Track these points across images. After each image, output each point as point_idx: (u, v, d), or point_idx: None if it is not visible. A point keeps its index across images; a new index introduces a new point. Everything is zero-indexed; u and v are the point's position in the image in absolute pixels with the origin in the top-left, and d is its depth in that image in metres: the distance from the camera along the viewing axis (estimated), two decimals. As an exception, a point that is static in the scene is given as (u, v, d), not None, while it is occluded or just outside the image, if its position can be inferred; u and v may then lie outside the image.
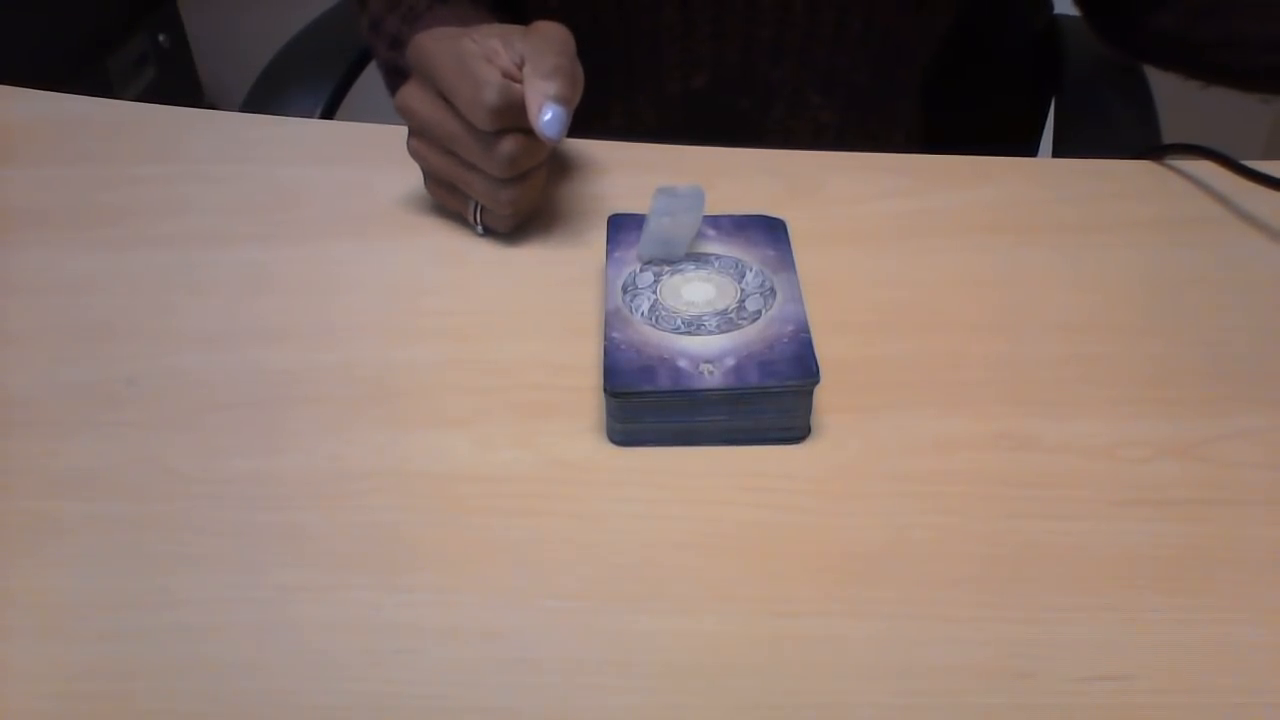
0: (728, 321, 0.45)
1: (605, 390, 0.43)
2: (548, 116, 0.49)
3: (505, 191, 0.52)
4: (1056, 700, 0.35)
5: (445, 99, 0.51)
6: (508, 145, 0.50)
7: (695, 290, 0.47)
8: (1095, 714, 0.35)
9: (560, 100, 0.49)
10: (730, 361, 0.44)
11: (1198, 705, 0.35)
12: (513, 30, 0.53)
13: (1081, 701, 0.35)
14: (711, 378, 0.43)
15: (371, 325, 0.50)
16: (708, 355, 0.44)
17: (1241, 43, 0.68)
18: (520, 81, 0.50)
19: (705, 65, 0.67)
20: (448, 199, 0.55)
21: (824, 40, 0.66)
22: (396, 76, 0.67)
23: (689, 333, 0.45)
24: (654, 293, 0.47)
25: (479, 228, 0.55)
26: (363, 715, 0.35)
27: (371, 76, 0.84)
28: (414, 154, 0.54)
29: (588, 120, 0.72)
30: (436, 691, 0.36)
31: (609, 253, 0.49)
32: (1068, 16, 0.88)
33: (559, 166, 0.61)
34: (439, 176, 0.54)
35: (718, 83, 0.68)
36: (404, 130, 0.56)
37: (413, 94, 0.53)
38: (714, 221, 0.51)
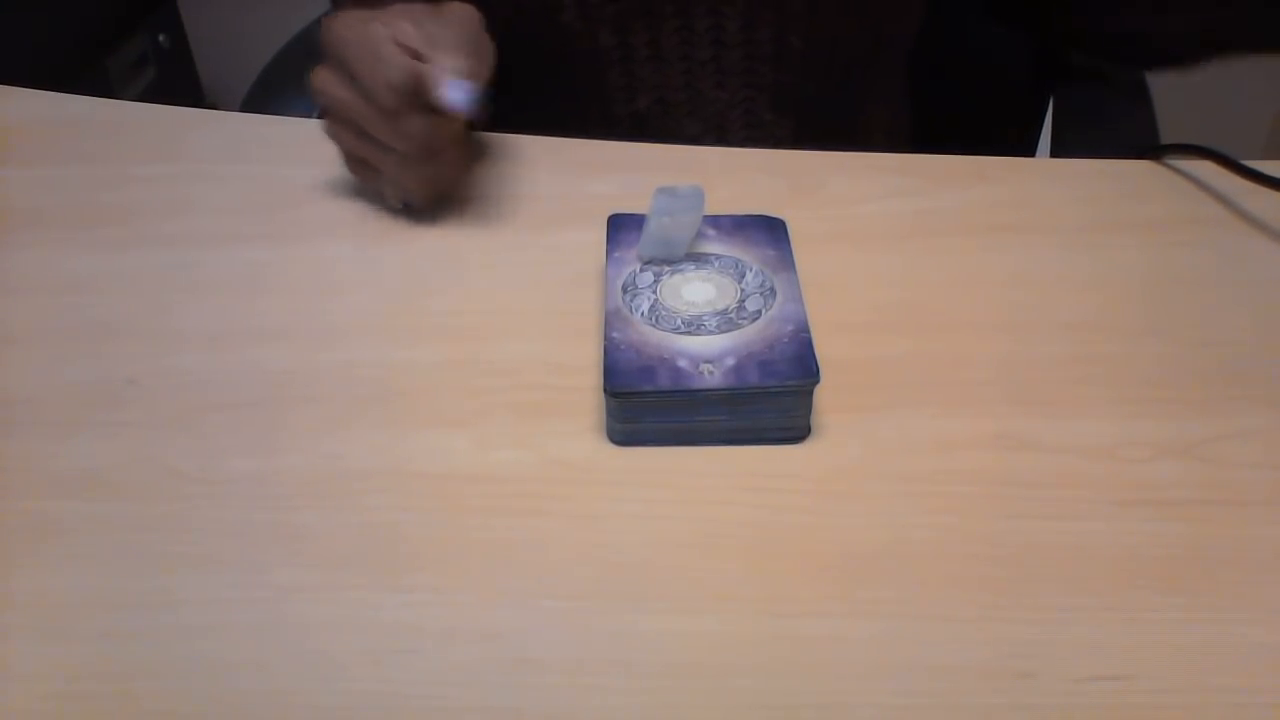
0: (728, 321, 0.45)
1: (605, 390, 0.43)
2: (451, 91, 0.49)
3: (419, 170, 0.53)
4: (1056, 700, 0.35)
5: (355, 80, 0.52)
6: (416, 123, 0.51)
7: (695, 290, 0.47)
8: (1095, 714, 0.35)
9: (462, 72, 0.50)
10: (730, 361, 0.44)
11: (1198, 705, 0.35)
12: (421, 10, 0.53)
13: (1081, 701, 0.35)
14: (711, 378, 0.43)
15: (371, 325, 0.50)
16: (708, 355, 0.44)
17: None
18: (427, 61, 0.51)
19: (648, 87, 0.67)
20: (366, 176, 0.56)
21: (765, 58, 0.66)
22: None
23: (689, 333, 0.45)
24: (654, 293, 0.47)
25: (398, 203, 0.56)
26: (363, 715, 0.35)
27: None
28: (330, 135, 0.55)
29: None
30: (436, 692, 0.36)
31: (609, 253, 0.49)
32: (1067, 16, 0.88)
33: (559, 166, 0.61)
34: (355, 156, 0.55)
35: (665, 105, 0.68)
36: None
37: (324, 76, 0.54)
38: (714, 221, 0.51)
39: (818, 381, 0.43)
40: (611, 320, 0.46)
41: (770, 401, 0.43)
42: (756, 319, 0.46)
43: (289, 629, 0.37)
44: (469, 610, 0.38)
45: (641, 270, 0.48)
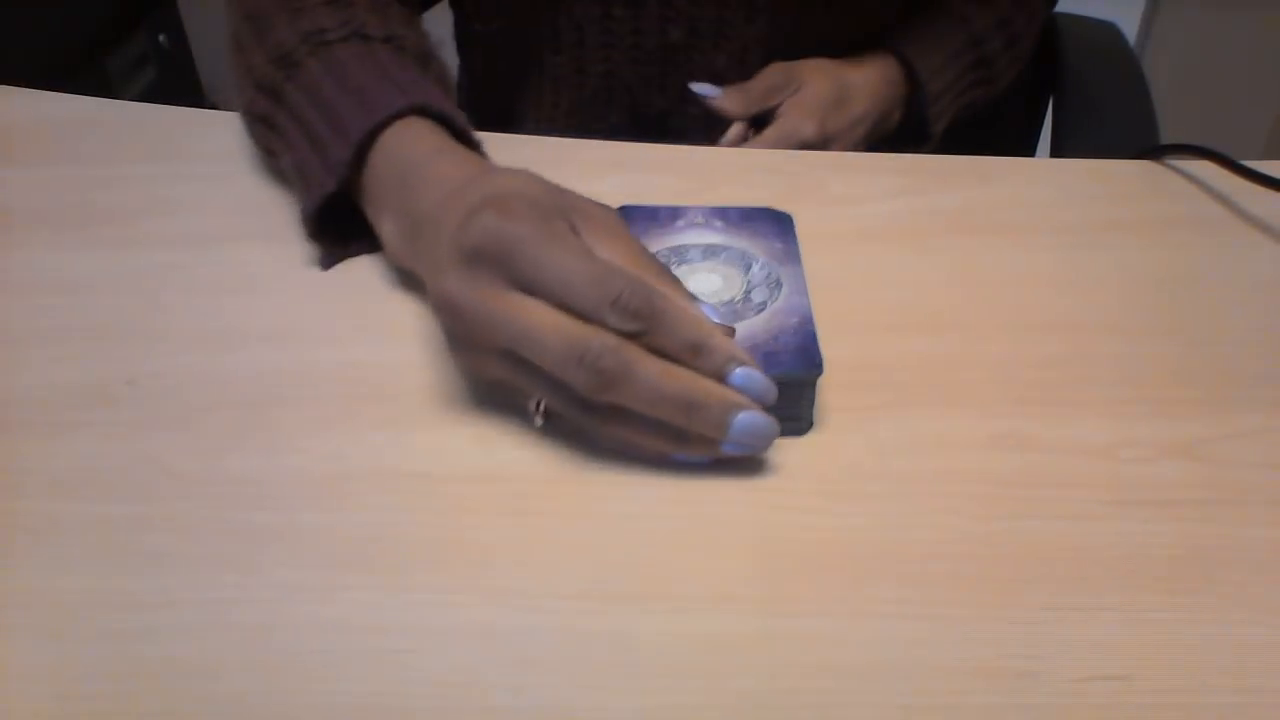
0: (733, 313, 0.45)
1: None
2: (746, 382, 0.40)
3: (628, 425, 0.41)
4: (1056, 700, 0.35)
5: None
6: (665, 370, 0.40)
7: (702, 281, 0.47)
8: (1095, 714, 0.35)
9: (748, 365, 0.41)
10: None
11: (1198, 705, 0.35)
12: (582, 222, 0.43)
13: (1081, 701, 0.35)
14: None
15: (371, 325, 0.50)
16: None
17: None
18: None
19: (683, 19, 0.68)
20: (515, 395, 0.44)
21: (791, 2, 0.68)
22: (270, 97, 0.55)
23: None
24: None
25: (540, 422, 0.44)
26: (363, 715, 0.35)
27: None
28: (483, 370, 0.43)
29: (567, 80, 0.72)
30: (436, 692, 0.36)
31: None
32: (1066, 15, 0.88)
33: (559, 166, 0.60)
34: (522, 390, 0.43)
35: (695, 36, 0.69)
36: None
37: (514, 300, 0.40)
38: (721, 213, 0.51)
39: (820, 373, 0.43)
40: None
41: None
42: (761, 310, 0.45)
43: (288, 629, 0.37)
44: (468, 610, 0.38)
45: None
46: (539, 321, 0.39)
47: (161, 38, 1.71)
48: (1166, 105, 0.77)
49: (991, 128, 0.87)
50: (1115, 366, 0.48)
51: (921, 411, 0.45)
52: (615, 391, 0.39)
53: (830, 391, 0.46)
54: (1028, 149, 0.93)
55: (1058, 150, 0.76)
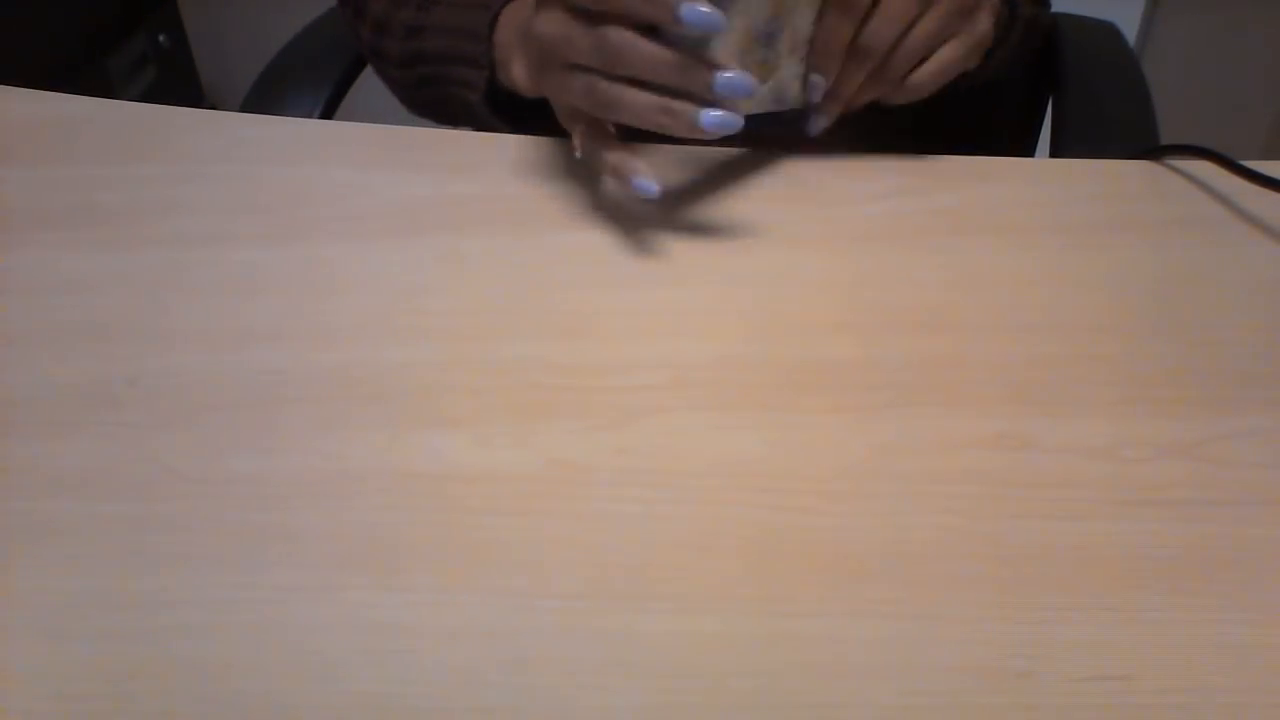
0: None
1: None
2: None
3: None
4: (1056, 700, 0.35)
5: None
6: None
7: None
8: (1095, 714, 0.35)
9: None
10: None
11: (1198, 705, 0.35)
12: None
13: (1081, 701, 0.35)
14: None
15: (371, 325, 0.50)
16: None
17: None
18: None
19: None
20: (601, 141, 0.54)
21: None
22: (416, 67, 0.66)
23: None
24: None
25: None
26: (362, 715, 0.35)
27: (371, 76, 0.83)
28: (571, 89, 0.53)
29: None
30: (436, 692, 0.36)
31: None
32: (1066, 15, 0.88)
33: (558, 166, 0.60)
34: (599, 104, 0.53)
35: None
36: (401, 130, 0.55)
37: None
38: None
39: None
40: None
41: None
42: None
43: (288, 629, 0.37)
44: (468, 610, 0.38)
45: None
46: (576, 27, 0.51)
47: (161, 38, 1.71)
48: (1166, 105, 0.77)
49: (991, 128, 0.86)
50: (1115, 366, 0.48)
51: (921, 411, 0.45)
52: (620, 63, 0.50)
53: (830, 392, 0.46)
54: (1028, 149, 0.93)
55: (1057, 150, 0.76)
